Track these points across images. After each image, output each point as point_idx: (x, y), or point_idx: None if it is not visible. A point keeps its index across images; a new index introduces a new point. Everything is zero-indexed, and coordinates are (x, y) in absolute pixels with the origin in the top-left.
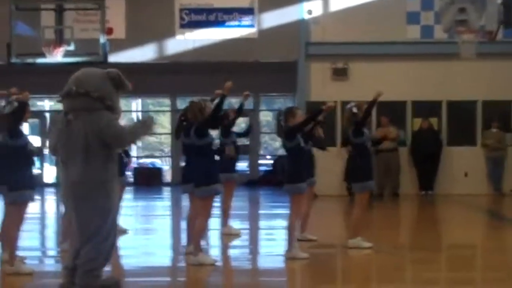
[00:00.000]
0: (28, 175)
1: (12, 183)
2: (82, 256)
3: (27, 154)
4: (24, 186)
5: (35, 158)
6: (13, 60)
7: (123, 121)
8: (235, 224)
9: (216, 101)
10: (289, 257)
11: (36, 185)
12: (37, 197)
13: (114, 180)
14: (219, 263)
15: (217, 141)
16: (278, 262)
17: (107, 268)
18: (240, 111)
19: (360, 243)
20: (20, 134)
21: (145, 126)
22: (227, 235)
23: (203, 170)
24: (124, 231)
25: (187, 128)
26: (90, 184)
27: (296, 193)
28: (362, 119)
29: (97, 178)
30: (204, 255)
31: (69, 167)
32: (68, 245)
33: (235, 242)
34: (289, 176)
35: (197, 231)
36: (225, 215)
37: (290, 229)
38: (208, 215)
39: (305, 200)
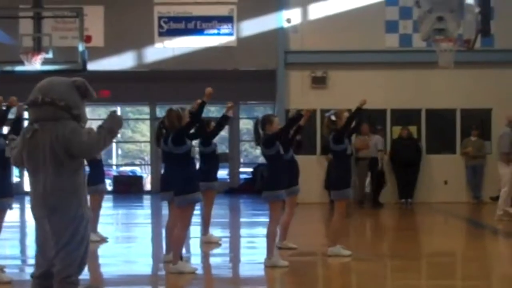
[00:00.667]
0: (6, 183)
1: None
2: (57, 264)
3: (4, 161)
4: (2, 194)
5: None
6: None
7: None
8: (215, 232)
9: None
10: (269, 265)
11: (14, 193)
12: (16, 205)
13: (85, 187)
14: (199, 271)
15: (196, 149)
16: (258, 270)
17: (86, 277)
18: (223, 122)
19: (340, 251)
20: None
21: (112, 132)
22: (207, 243)
23: (182, 178)
24: (104, 239)
25: (166, 136)
26: (60, 194)
27: (274, 200)
28: (344, 127)
29: (67, 187)
30: (184, 264)
31: (38, 178)
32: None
33: (216, 250)
34: (267, 184)
35: (176, 240)
36: (205, 224)
37: (269, 237)
38: (187, 223)
39: (287, 208)
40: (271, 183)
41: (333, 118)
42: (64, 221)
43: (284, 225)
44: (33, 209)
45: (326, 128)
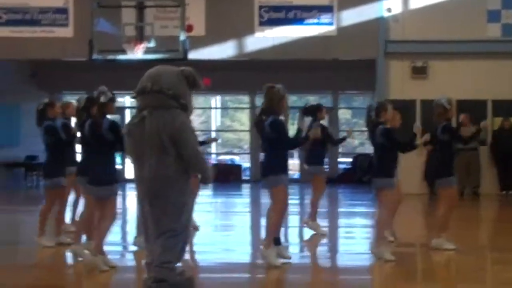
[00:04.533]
0: (109, 170)
1: (95, 178)
2: (156, 249)
3: (107, 149)
4: (107, 181)
5: (117, 154)
6: (95, 56)
7: (198, 120)
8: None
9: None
10: (376, 254)
11: (118, 180)
12: (118, 192)
13: (187, 175)
14: (298, 261)
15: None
16: (357, 260)
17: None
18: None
19: (444, 243)
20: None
21: (206, 174)
22: (312, 230)
23: (275, 160)
24: (196, 228)
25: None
26: (163, 180)
27: (385, 187)
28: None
29: (170, 174)
30: (273, 252)
31: (143, 164)
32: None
33: (314, 240)
34: (379, 171)
35: (270, 222)
36: (312, 209)
37: (379, 224)
38: (279, 206)
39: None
40: (382, 171)
41: (447, 105)
42: (166, 207)
43: None
44: (138, 195)
45: (440, 117)
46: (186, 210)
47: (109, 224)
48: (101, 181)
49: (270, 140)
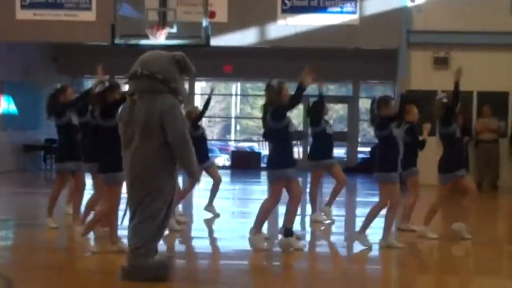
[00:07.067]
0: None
1: (103, 165)
2: (129, 233)
3: (111, 137)
4: (116, 168)
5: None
6: (117, 41)
7: (218, 106)
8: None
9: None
10: (384, 246)
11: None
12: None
13: (172, 164)
14: (315, 250)
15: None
16: (373, 250)
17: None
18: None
19: (428, 233)
20: (113, 115)
21: (191, 169)
22: (316, 222)
23: (276, 153)
24: (217, 215)
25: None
26: (144, 164)
27: (385, 182)
28: (452, 104)
29: (152, 159)
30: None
31: (129, 147)
32: None
33: (330, 229)
34: (379, 165)
35: (261, 213)
36: (313, 202)
37: (381, 218)
38: (274, 198)
39: (410, 190)
40: (382, 165)
41: (445, 100)
42: (141, 191)
43: (408, 207)
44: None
45: (439, 110)
46: (161, 196)
47: (106, 211)
48: (104, 168)
49: (273, 131)
